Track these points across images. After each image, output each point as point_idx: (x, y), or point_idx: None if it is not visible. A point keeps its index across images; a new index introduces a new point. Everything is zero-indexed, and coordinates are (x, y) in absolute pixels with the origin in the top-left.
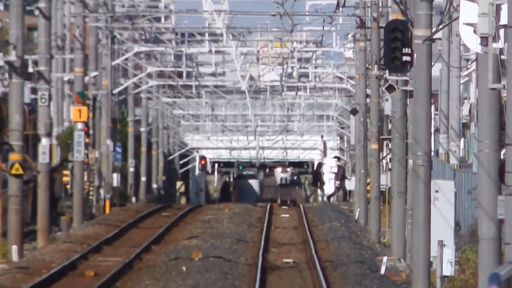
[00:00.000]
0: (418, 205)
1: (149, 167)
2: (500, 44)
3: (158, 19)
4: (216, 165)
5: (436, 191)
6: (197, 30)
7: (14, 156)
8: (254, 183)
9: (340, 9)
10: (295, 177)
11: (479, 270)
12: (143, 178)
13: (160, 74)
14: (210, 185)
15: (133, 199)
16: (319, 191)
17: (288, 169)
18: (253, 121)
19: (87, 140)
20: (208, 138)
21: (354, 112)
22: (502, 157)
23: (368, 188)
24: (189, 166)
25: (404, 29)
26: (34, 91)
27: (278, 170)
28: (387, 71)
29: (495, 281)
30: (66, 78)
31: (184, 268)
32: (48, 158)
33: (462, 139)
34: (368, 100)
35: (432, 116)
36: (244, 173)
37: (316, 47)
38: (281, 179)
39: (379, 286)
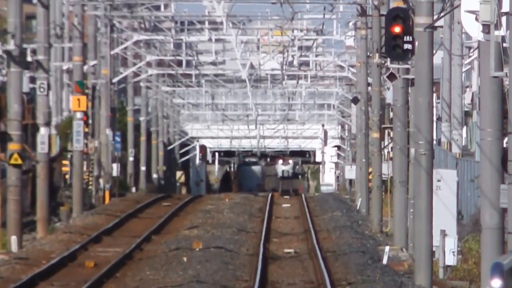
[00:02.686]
0: (420, 194)
1: (149, 157)
2: (502, 32)
3: (157, 8)
4: (217, 154)
5: (438, 180)
6: (196, 18)
7: (13, 146)
8: (256, 170)
9: None
10: (298, 166)
11: (482, 260)
12: (143, 168)
13: (160, 63)
14: (210, 175)
15: (133, 189)
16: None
17: (290, 161)
18: (253, 110)
19: (86, 130)
20: (208, 127)
21: (355, 100)
22: (504, 145)
23: (370, 177)
24: (189, 156)
25: (406, 17)
26: (32, 80)
27: (279, 161)
28: (388, 59)
29: (498, 270)
30: (65, 67)
31: (184, 259)
32: (47, 148)
33: (464, 128)
34: (369, 88)
35: (434, 104)
36: (247, 160)
37: (316, 35)
38: (283, 171)
39: (381, 276)
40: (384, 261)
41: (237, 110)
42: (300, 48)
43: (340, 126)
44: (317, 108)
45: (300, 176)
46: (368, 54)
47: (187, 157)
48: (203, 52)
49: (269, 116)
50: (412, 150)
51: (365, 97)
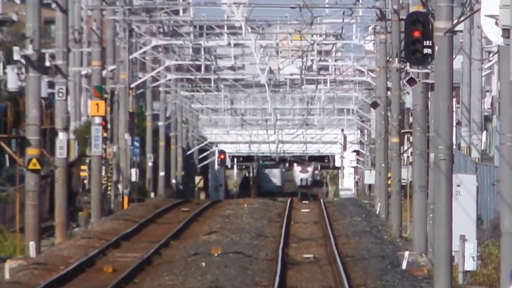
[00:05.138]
0: (440, 199)
1: (168, 162)
2: None
3: (176, 12)
4: (235, 159)
5: (458, 185)
6: (215, 23)
7: (31, 151)
8: (276, 172)
9: (360, 1)
10: (317, 172)
11: (501, 265)
12: (162, 173)
13: (179, 68)
14: (229, 180)
15: (152, 194)
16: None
17: (309, 168)
18: (272, 115)
19: (105, 135)
20: (227, 132)
21: (374, 105)
22: None
23: (389, 182)
24: (208, 161)
25: (425, 21)
26: (51, 85)
27: (297, 169)
28: (408, 63)
29: None
30: (83, 72)
31: (203, 264)
32: (65, 153)
33: (484, 132)
34: (389, 93)
35: (454, 109)
36: (267, 162)
37: (336, 40)
38: (301, 180)
39: (400, 281)
40: (404, 266)
41: (256, 115)
42: (319, 52)
43: (359, 131)
44: (336, 112)
45: (319, 185)
46: (388, 58)
47: (206, 162)
48: (222, 56)
49: (288, 121)
50: (432, 155)
51: (384, 101)
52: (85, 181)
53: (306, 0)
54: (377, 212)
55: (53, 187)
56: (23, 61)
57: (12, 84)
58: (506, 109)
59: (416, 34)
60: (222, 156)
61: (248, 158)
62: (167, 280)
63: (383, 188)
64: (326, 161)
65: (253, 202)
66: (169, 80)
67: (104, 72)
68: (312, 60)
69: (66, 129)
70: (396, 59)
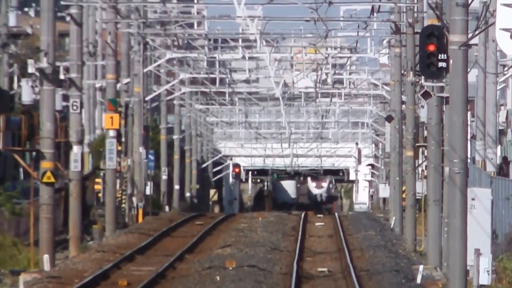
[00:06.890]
0: (455, 213)
1: (182, 175)
2: None
3: (190, 25)
4: (250, 173)
5: (473, 199)
6: (230, 36)
7: (45, 164)
8: (291, 184)
9: (375, 14)
10: (332, 185)
11: None
12: (176, 186)
13: (193, 81)
14: (243, 194)
15: (166, 208)
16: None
17: (324, 184)
18: (287, 128)
19: (119, 148)
20: (241, 145)
21: (389, 119)
22: None
23: (404, 196)
24: (223, 174)
25: (440, 35)
26: (65, 98)
27: (312, 184)
28: (422, 77)
29: None
30: (98, 85)
31: (218, 277)
32: (80, 166)
33: (499, 146)
34: (403, 106)
35: (469, 122)
36: (281, 175)
37: (350, 53)
38: (316, 195)
39: None
40: (418, 280)
41: (270, 128)
42: (333, 66)
43: (374, 145)
44: (350, 126)
45: (334, 199)
46: (402, 72)
47: (220, 175)
48: (237, 70)
49: (302, 134)
50: (446, 169)
51: (399, 115)
52: (100, 194)
53: (320, 13)
54: (391, 226)
55: (68, 200)
56: (37, 74)
57: (27, 97)
58: None
59: (431, 47)
60: (237, 170)
61: (263, 172)
62: None
63: (397, 202)
64: (341, 174)
65: (268, 215)
66: (184, 93)
67: (118, 85)
68: (326, 74)
69: (80, 142)
70: (411, 72)
